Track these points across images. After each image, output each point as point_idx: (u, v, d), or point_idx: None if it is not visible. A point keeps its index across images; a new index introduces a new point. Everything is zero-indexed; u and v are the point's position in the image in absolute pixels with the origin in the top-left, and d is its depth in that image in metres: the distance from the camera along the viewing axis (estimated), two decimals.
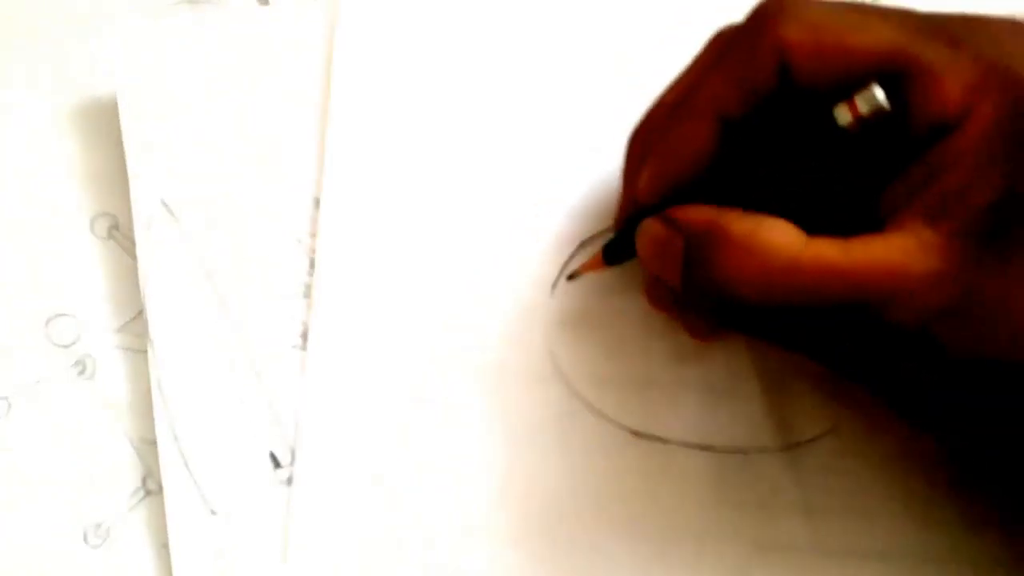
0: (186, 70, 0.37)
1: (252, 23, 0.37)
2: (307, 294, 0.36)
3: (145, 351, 0.36)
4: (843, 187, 0.25)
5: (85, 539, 0.35)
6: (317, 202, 0.36)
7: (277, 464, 0.35)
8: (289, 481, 0.35)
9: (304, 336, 0.36)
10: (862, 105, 0.24)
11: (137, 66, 0.37)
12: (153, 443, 0.35)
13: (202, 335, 0.36)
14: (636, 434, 0.34)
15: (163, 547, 0.35)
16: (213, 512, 0.35)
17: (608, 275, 0.34)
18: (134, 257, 0.37)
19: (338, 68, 0.37)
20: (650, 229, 0.28)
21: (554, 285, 0.35)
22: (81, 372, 0.36)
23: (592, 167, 0.36)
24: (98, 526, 0.36)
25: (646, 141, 0.30)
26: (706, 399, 0.34)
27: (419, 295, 0.35)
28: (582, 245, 0.35)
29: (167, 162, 0.37)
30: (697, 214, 0.27)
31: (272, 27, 0.37)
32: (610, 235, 0.33)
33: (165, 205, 0.36)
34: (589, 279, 0.35)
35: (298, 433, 0.35)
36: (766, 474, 0.33)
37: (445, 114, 0.37)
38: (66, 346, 0.37)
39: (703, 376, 0.34)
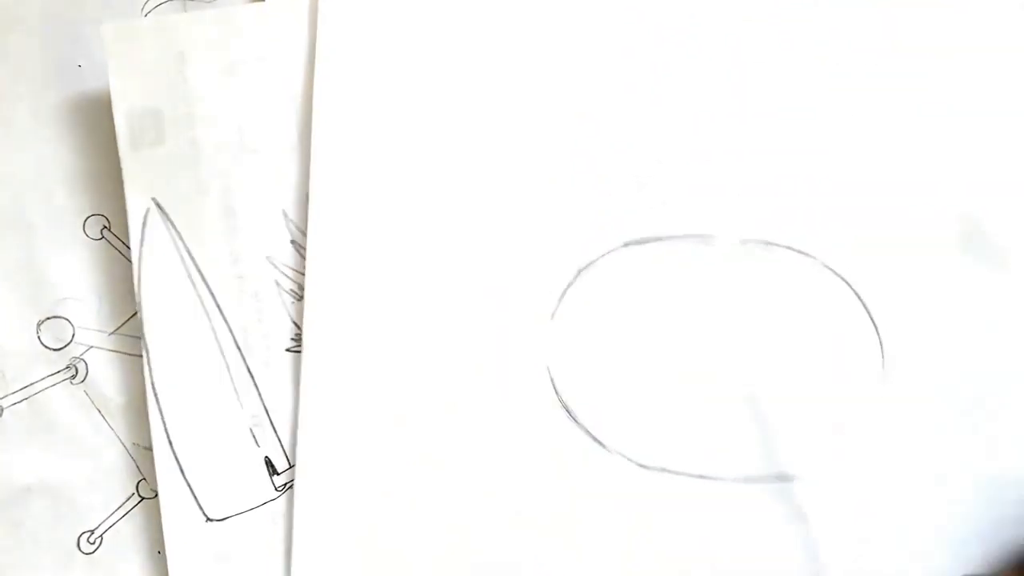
0: (179, 69, 0.36)
1: (246, 20, 0.37)
2: (302, 296, 0.35)
3: (138, 355, 0.36)
4: None
5: (78, 545, 0.35)
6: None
7: (273, 470, 0.34)
8: (285, 487, 0.34)
9: (298, 338, 0.35)
10: None
11: (130, 65, 0.36)
12: (147, 448, 0.35)
13: (197, 338, 0.35)
14: (642, 467, 0.34)
15: (157, 553, 0.35)
16: (209, 519, 0.34)
17: (607, 304, 0.34)
18: (127, 258, 0.36)
19: (321, 72, 0.36)
20: None
21: (554, 313, 0.35)
22: (74, 375, 0.36)
23: (592, 191, 0.35)
24: (91, 532, 0.35)
25: None
26: (713, 429, 0.34)
27: (417, 318, 0.35)
28: (581, 271, 0.35)
29: (160, 162, 0.36)
30: None
31: (267, 24, 0.37)
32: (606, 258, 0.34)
33: (159, 206, 0.36)
34: (589, 308, 0.34)
35: (296, 438, 0.34)
36: (777, 502, 0.33)
37: (440, 128, 0.36)
38: (59, 349, 0.36)
39: (710, 406, 0.34)
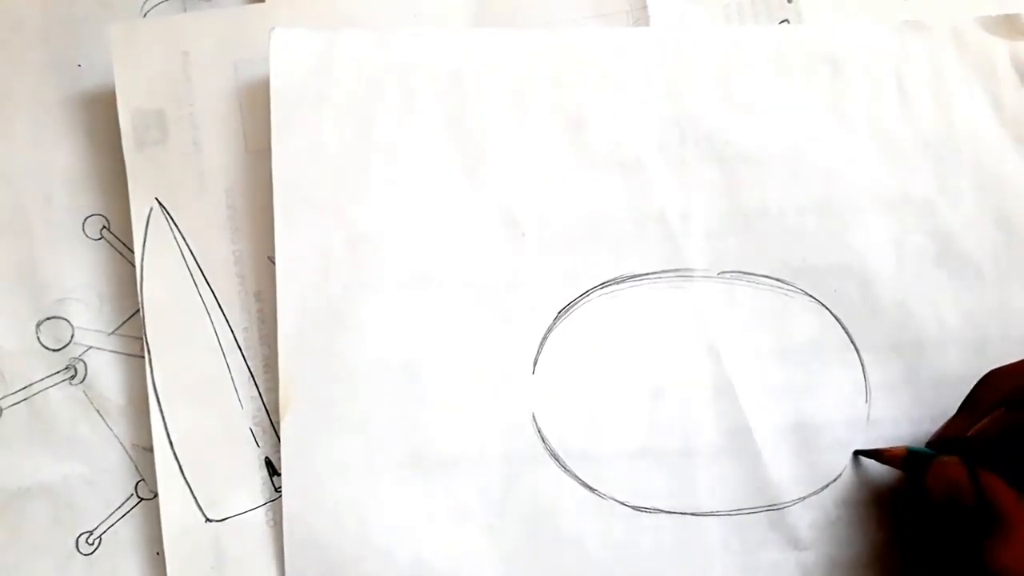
0: (182, 69, 0.36)
1: (248, 21, 0.37)
2: None
3: (137, 355, 0.36)
4: None
5: (77, 546, 0.35)
6: None
7: (273, 470, 0.35)
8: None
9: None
10: None
11: (134, 65, 0.36)
12: (146, 449, 0.35)
13: (198, 338, 0.35)
14: (637, 509, 0.34)
15: (156, 554, 0.35)
16: (208, 519, 0.34)
17: (589, 348, 0.34)
18: (126, 258, 0.36)
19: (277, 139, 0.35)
20: (950, 471, 0.29)
21: (536, 361, 0.34)
22: (73, 376, 0.36)
23: (564, 235, 0.35)
24: (90, 532, 0.35)
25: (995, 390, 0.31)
26: (704, 463, 0.34)
27: (399, 376, 0.34)
28: (559, 315, 0.35)
29: (164, 162, 0.36)
30: (1004, 493, 0.27)
31: (268, 24, 0.36)
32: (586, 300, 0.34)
33: (162, 206, 0.36)
34: (570, 353, 0.34)
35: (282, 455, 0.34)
36: (772, 531, 0.34)
37: (406, 175, 0.35)
38: (58, 349, 0.36)
39: (699, 441, 0.34)
